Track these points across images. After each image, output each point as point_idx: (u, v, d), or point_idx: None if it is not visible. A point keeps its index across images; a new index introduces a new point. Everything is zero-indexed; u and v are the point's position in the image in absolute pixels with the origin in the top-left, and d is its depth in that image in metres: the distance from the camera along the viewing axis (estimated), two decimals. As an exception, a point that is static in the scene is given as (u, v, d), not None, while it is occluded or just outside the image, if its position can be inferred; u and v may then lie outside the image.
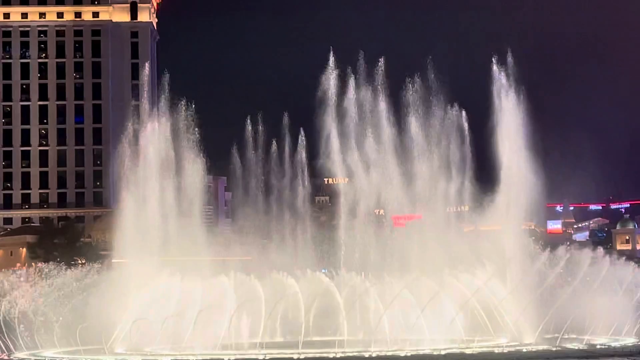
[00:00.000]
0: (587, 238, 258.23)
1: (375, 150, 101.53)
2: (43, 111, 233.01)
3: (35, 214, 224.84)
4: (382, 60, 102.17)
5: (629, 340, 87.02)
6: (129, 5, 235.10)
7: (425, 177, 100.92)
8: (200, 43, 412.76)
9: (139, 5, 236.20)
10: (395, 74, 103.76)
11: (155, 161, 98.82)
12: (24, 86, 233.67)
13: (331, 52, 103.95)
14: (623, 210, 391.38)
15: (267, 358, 79.39)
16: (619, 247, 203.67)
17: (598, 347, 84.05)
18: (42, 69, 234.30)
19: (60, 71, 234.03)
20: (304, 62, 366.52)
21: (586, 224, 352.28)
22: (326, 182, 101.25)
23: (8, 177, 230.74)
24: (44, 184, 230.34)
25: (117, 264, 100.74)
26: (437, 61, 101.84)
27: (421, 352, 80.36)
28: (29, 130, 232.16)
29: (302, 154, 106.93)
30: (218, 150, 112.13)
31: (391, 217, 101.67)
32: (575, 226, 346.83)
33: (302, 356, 78.95)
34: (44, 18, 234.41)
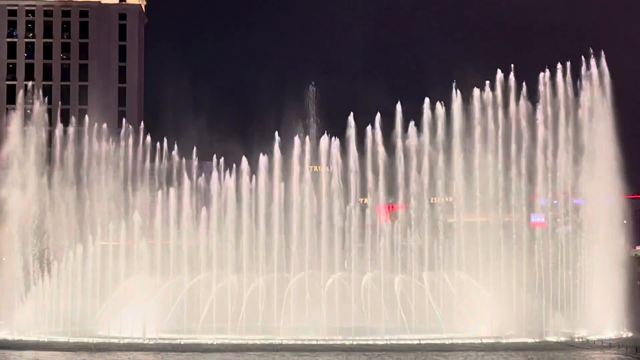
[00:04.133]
0: (570, 232, 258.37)
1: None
2: (29, 91, 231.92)
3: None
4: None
5: (610, 334, 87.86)
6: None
7: (411, 167, 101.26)
8: (189, 27, 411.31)
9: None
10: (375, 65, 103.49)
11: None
12: (11, 65, 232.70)
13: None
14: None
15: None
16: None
17: (577, 340, 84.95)
18: (29, 48, 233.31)
19: (47, 51, 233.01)
20: (296, 50, 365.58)
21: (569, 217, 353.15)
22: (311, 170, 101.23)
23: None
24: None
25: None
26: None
27: (401, 342, 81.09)
28: (14, 109, 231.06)
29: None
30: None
31: (376, 207, 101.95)
32: (558, 219, 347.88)
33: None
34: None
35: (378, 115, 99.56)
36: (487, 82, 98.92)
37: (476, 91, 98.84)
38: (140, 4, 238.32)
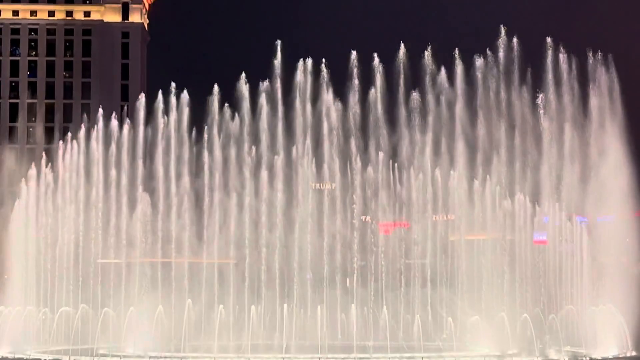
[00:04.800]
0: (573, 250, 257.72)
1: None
2: (32, 109, 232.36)
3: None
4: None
5: (614, 352, 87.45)
6: (120, 5, 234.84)
7: (412, 184, 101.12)
8: (192, 45, 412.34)
9: (130, 5, 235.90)
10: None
11: None
12: (13, 84, 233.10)
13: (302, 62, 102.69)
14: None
15: None
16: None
17: (580, 358, 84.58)
18: (32, 67, 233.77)
19: (50, 70, 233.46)
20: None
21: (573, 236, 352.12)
22: (313, 188, 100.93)
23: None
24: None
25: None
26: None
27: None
28: (16, 127, 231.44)
29: None
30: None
31: (378, 224, 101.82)
32: (561, 238, 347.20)
33: None
34: (35, 16, 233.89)
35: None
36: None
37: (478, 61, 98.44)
38: (142, 23, 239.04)
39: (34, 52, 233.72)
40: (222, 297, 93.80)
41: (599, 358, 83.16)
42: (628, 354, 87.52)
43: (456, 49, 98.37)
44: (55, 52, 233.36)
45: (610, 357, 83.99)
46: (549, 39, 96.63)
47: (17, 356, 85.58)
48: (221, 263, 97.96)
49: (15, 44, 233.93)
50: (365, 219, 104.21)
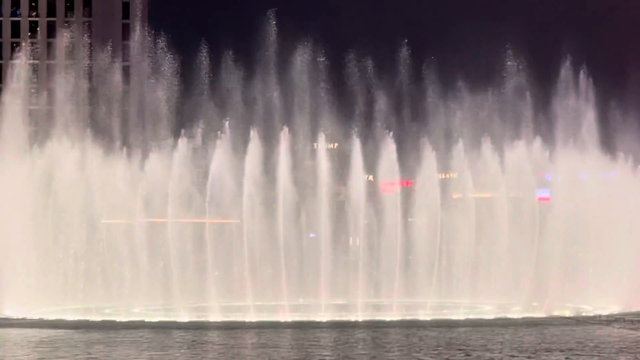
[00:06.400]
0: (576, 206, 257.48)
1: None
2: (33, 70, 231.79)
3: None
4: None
5: (617, 309, 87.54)
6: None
7: (415, 142, 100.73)
8: (193, 4, 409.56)
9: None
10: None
11: None
12: (15, 44, 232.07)
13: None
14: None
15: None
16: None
17: (583, 315, 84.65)
18: (33, 27, 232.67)
19: (51, 30, 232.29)
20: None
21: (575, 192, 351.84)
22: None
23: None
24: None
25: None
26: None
27: (407, 318, 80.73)
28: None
29: None
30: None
31: (380, 184, 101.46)
32: (563, 194, 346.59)
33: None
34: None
35: None
36: None
37: None
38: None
39: (34, 13, 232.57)
40: (226, 258, 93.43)
41: (604, 314, 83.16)
42: (634, 310, 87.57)
43: None
44: (56, 12, 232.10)
45: (614, 314, 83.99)
46: None
47: (20, 316, 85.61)
48: (224, 223, 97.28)
49: (15, 4, 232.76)
50: (368, 177, 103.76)
